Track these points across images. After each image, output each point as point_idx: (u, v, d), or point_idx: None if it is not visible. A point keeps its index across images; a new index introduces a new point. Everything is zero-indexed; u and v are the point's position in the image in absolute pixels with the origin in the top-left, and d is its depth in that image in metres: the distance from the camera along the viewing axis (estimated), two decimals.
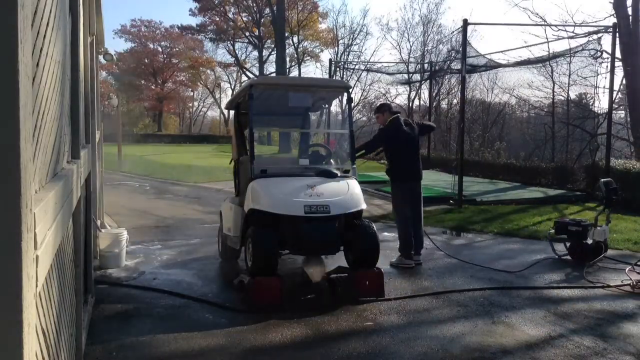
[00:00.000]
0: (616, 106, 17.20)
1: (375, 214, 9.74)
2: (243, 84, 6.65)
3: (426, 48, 32.63)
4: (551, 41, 15.89)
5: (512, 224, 8.83)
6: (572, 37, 14.82)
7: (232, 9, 48.74)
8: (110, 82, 54.39)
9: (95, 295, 4.71)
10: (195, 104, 67.12)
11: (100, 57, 8.32)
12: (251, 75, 47.21)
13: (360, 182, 5.48)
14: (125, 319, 4.32)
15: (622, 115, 20.23)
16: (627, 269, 5.79)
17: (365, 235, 5.01)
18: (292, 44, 45.17)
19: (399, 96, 32.02)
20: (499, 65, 15.47)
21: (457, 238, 8.22)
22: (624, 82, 15.73)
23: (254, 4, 46.00)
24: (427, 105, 22.61)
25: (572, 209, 10.47)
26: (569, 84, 15.66)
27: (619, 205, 7.15)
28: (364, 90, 31.87)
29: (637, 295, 5.11)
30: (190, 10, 56.85)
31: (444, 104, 24.67)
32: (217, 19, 49.48)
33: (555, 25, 17.63)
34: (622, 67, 14.88)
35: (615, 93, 13.49)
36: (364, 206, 5.13)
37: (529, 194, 12.43)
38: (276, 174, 5.24)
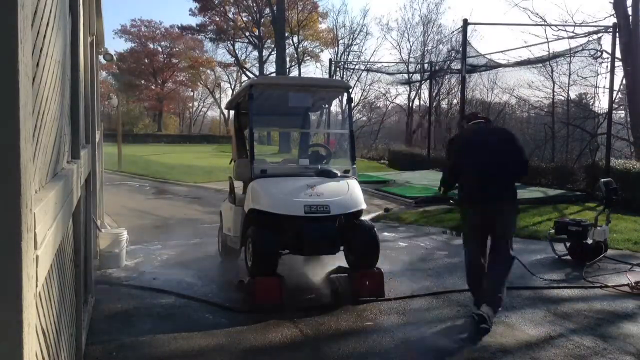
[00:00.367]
0: (616, 106, 17.19)
1: (375, 214, 9.75)
2: (243, 84, 6.65)
3: (426, 48, 32.65)
4: (551, 41, 15.89)
5: None
6: (572, 37, 14.82)
7: (232, 9, 48.73)
8: (110, 82, 54.41)
9: (95, 295, 4.71)
10: (195, 104, 67.15)
11: (100, 57, 8.32)
12: (251, 75, 47.21)
13: (360, 182, 5.48)
14: (125, 319, 4.32)
15: (622, 115, 20.22)
16: (627, 270, 5.78)
17: (365, 235, 5.01)
18: (292, 44, 45.17)
19: (399, 96, 32.09)
20: (499, 65, 15.48)
21: (457, 238, 8.21)
22: (624, 82, 15.73)
23: (254, 4, 45.98)
24: (427, 105, 22.63)
25: (572, 209, 10.47)
26: (569, 84, 15.65)
27: (619, 205, 7.15)
28: (364, 90, 31.90)
29: (637, 296, 5.11)
30: (190, 10, 56.84)
31: (444, 104, 24.70)
32: (217, 19, 49.46)
33: (555, 25, 17.63)
34: (622, 67, 14.87)
35: (615, 93, 13.51)
36: (364, 206, 5.13)
37: (529, 194, 12.42)
38: (276, 174, 5.24)
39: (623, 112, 19.90)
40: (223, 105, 32.16)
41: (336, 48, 42.46)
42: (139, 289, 5.11)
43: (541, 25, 17.30)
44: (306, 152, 6.18)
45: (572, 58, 14.53)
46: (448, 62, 18.81)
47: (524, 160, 4.70)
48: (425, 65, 22.56)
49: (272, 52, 45.48)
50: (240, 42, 50.96)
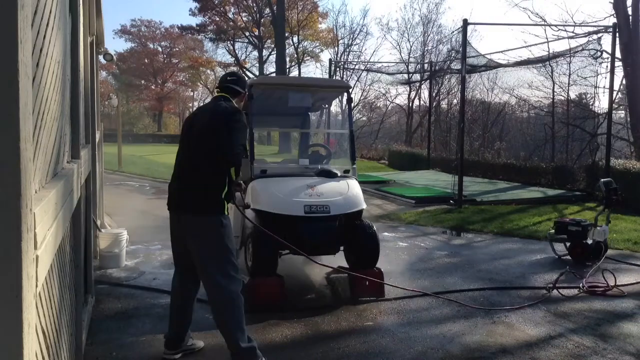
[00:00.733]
0: (616, 106, 17.19)
1: (375, 214, 9.75)
2: None
3: (426, 48, 32.65)
4: (551, 41, 15.91)
5: (511, 224, 8.83)
6: (572, 37, 14.82)
7: (232, 9, 48.71)
8: (110, 82, 54.42)
9: (95, 295, 4.71)
10: (195, 104, 67.16)
11: (100, 57, 8.31)
12: (251, 75, 47.21)
13: (360, 182, 5.48)
14: (125, 319, 4.32)
15: (622, 115, 20.22)
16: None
17: (365, 235, 5.01)
18: (292, 44, 45.16)
19: (399, 96, 32.08)
20: (499, 65, 15.47)
21: (457, 238, 8.22)
22: (624, 82, 15.74)
23: (254, 4, 45.97)
24: (427, 105, 22.63)
25: (572, 209, 10.48)
26: (569, 84, 15.66)
27: (618, 205, 7.14)
28: (364, 90, 31.87)
29: (637, 296, 5.11)
30: (190, 10, 56.86)
31: (444, 104, 24.69)
32: (217, 19, 49.43)
33: (555, 25, 17.68)
34: (622, 67, 14.88)
35: (615, 93, 13.51)
36: (364, 206, 5.13)
37: (529, 194, 12.43)
38: (276, 174, 5.25)
39: (623, 112, 19.90)
40: None
41: (336, 48, 42.46)
42: (139, 289, 5.11)
43: (541, 25, 17.33)
44: (306, 152, 6.18)
45: (572, 58, 14.55)
46: (448, 62, 18.81)
47: (230, 145, 3.33)
48: (425, 65, 22.57)
49: (272, 52, 45.48)
50: (240, 42, 50.95)
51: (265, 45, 48.07)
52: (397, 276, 5.63)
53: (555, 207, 10.71)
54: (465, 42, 11.47)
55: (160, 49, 57.56)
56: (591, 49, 13.51)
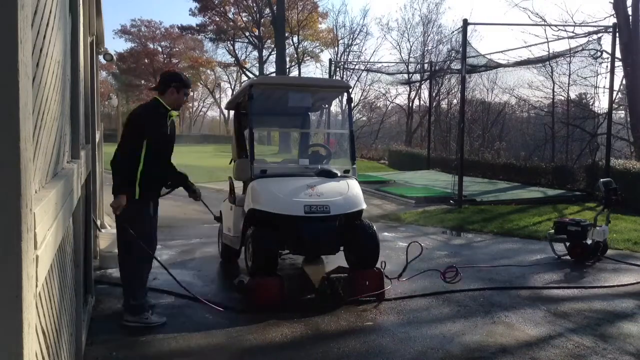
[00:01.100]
0: (616, 106, 17.20)
1: (375, 214, 9.75)
2: (243, 84, 6.65)
3: (426, 48, 32.66)
4: (551, 41, 15.91)
5: (511, 224, 8.83)
6: (572, 37, 14.83)
7: (232, 9, 48.74)
8: (110, 82, 54.44)
9: (95, 295, 4.71)
10: (195, 104, 67.18)
11: (100, 57, 8.32)
12: (251, 75, 47.21)
13: (360, 182, 5.48)
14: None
15: (622, 115, 20.23)
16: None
17: (365, 235, 5.01)
18: (292, 44, 45.18)
19: (399, 96, 32.08)
20: (499, 65, 15.48)
21: (457, 238, 8.22)
22: (624, 82, 15.74)
23: (254, 4, 45.99)
24: (427, 105, 22.64)
25: (571, 209, 10.48)
26: (569, 84, 15.67)
27: (618, 205, 7.15)
28: (364, 90, 31.87)
29: (637, 296, 5.11)
30: (190, 10, 56.91)
31: (444, 104, 24.69)
32: (217, 19, 49.47)
33: (555, 25, 17.65)
34: (622, 67, 14.88)
35: (615, 93, 13.51)
36: (364, 206, 5.13)
37: (529, 194, 12.44)
38: (276, 174, 5.25)
39: (623, 112, 19.91)
40: (223, 105, 32.16)
41: (336, 48, 42.48)
42: None
43: (541, 25, 17.34)
44: (306, 152, 6.18)
45: (572, 58, 14.55)
46: (448, 62, 18.81)
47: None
48: (425, 65, 22.57)
49: (272, 52, 45.51)
50: (240, 42, 51.00)
51: (265, 45, 48.10)
52: (397, 276, 5.62)
53: (555, 207, 10.71)
54: (465, 42, 11.48)
55: (160, 49, 57.59)
56: (591, 49, 13.51)
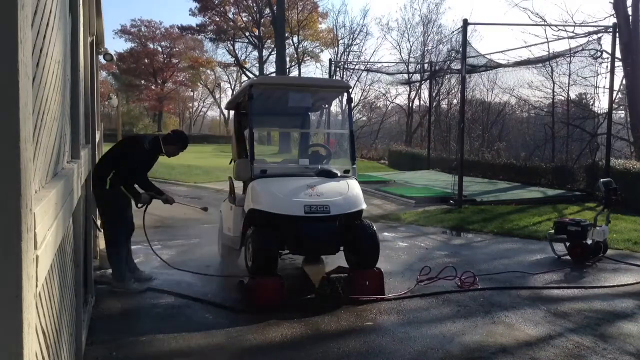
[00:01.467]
0: (616, 106, 17.20)
1: (375, 214, 9.74)
2: (243, 84, 6.65)
3: (426, 48, 32.64)
4: (551, 41, 15.91)
5: (511, 224, 8.83)
6: (572, 37, 14.82)
7: (232, 9, 48.72)
8: (110, 82, 54.44)
9: (95, 295, 4.71)
10: (195, 104, 67.21)
11: (100, 57, 8.32)
12: (251, 75, 47.22)
13: (360, 182, 5.48)
14: (125, 319, 4.32)
15: (622, 115, 20.23)
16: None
17: (365, 235, 5.01)
18: (292, 44, 45.17)
19: (399, 96, 32.08)
20: (499, 65, 15.47)
21: (456, 238, 8.22)
22: (624, 82, 15.74)
23: (254, 4, 45.98)
24: (427, 105, 22.64)
25: (571, 209, 10.48)
26: (569, 84, 15.65)
27: (618, 205, 7.15)
28: (364, 90, 31.86)
29: (637, 296, 5.12)
30: (190, 10, 56.94)
31: (444, 104, 24.69)
32: (217, 19, 49.45)
33: (555, 25, 17.65)
34: (622, 67, 14.88)
35: (615, 93, 13.51)
36: (364, 206, 5.13)
37: (529, 194, 12.43)
38: (276, 174, 5.24)
39: (623, 112, 19.91)
40: (223, 105, 32.14)
41: (336, 48, 42.45)
42: None
43: (541, 25, 17.34)
44: (306, 152, 6.18)
45: (572, 58, 14.54)
46: (448, 62, 18.80)
47: None
48: (425, 65, 22.57)
49: (272, 52, 45.49)
50: (240, 42, 50.97)
51: (265, 45, 48.08)
52: (397, 276, 5.63)
53: (555, 207, 10.71)
54: (465, 42, 11.47)
55: (160, 49, 57.55)
56: (591, 49, 13.51)
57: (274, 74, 39.26)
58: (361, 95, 32.35)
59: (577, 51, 13.92)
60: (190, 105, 66.50)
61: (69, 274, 2.67)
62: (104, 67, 41.89)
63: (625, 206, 9.18)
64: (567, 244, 6.49)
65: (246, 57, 52.57)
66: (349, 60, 37.37)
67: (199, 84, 59.56)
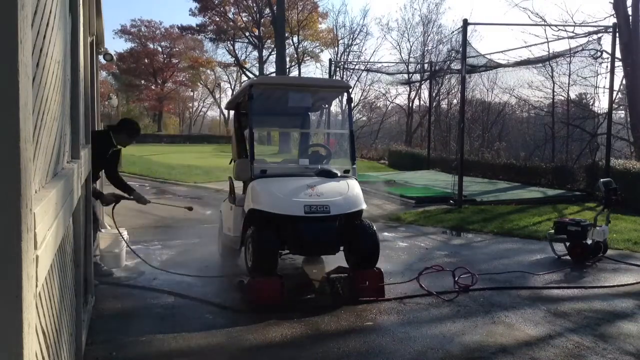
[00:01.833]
0: (616, 106, 17.20)
1: (375, 214, 9.74)
2: (243, 84, 6.65)
3: (426, 48, 32.67)
4: (551, 41, 15.91)
5: (511, 224, 8.83)
6: (572, 37, 14.82)
7: (232, 9, 48.75)
8: (110, 82, 54.44)
9: (95, 295, 4.71)
10: (195, 104, 67.24)
11: (100, 57, 8.32)
12: (251, 75, 47.21)
13: (360, 182, 5.48)
14: (125, 319, 4.32)
15: (622, 115, 20.22)
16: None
17: (365, 235, 5.01)
18: (292, 44, 45.18)
19: (399, 96, 32.07)
20: (499, 65, 15.48)
21: (456, 238, 8.22)
22: (624, 82, 15.74)
23: (254, 4, 46.00)
24: (427, 105, 22.64)
25: (571, 209, 10.48)
26: (569, 84, 15.65)
27: (618, 205, 7.15)
28: (364, 90, 31.86)
29: (637, 295, 5.11)
30: (190, 10, 56.96)
31: (444, 104, 24.69)
32: (217, 19, 49.48)
33: (555, 26, 17.66)
34: (622, 67, 14.88)
35: (615, 93, 13.51)
36: (364, 206, 5.13)
37: (529, 194, 12.44)
38: (276, 174, 5.24)
39: (623, 112, 19.91)
40: (223, 105, 32.15)
41: (336, 48, 42.47)
42: (139, 289, 5.11)
43: (541, 25, 17.34)
44: (306, 152, 6.18)
45: (572, 58, 14.54)
46: (448, 62, 18.80)
47: None
48: (425, 66, 22.57)
49: (272, 52, 45.52)
50: (240, 42, 51.01)
51: (265, 46, 48.11)
52: (397, 276, 5.63)
53: (555, 207, 10.71)
54: (465, 42, 11.47)
55: (160, 49, 57.61)
56: (591, 49, 13.51)
57: (274, 74, 39.26)
58: (361, 95, 32.37)
59: (577, 51, 13.93)
60: (190, 105, 66.54)
61: (69, 274, 2.67)
62: (104, 67, 41.89)
63: (625, 206, 9.18)
64: (567, 244, 6.49)
65: (246, 57, 52.64)
66: (349, 60, 37.39)
67: (199, 84, 59.60)
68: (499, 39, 73.75)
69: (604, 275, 5.90)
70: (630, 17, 15.05)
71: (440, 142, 22.18)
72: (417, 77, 22.33)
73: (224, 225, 6.12)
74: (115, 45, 69.95)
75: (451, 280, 5.36)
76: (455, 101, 22.30)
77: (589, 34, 13.84)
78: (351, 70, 27.67)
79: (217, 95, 58.93)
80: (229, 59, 53.18)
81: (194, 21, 64.77)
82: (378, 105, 34.52)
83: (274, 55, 41.88)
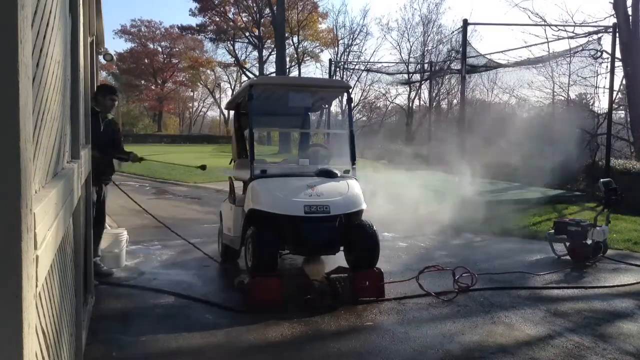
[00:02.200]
0: (616, 106, 17.19)
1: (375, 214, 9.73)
2: (243, 84, 6.65)
3: (426, 48, 32.67)
4: (551, 41, 15.90)
5: (511, 224, 8.82)
6: (572, 37, 14.82)
7: (232, 9, 48.76)
8: (110, 82, 54.43)
9: (95, 295, 4.71)
10: (195, 104, 67.22)
11: (100, 57, 8.31)
12: (251, 75, 47.21)
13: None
14: (125, 319, 4.32)
15: (622, 115, 20.22)
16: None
17: (365, 235, 5.01)
18: (292, 44, 45.19)
19: (399, 96, 32.10)
20: (499, 65, 15.47)
21: (456, 238, 8.22)
22: (623, 82, 15.73)
23: (254, 4, 46.00)
24: (427, 105, 22.65)
25: (571, 209, 10.48)
26: (569, 84, 15.67)
27: (618, 206, 7.15)
28: (364, 90, 31.88)
29: (637, 295, 5.12)
30: (190, 10, 56.92)
31: (444, 104, 24.70)
32: (217, 19, 49.48)
33: (555, 26, 17.62)
34: (622, 67, 14.87)
35: (615, 93, 13.50)
36: (364, 206, 5.13)
37: (529, 194, 12.43)
38: (276, 174, 5.24)
39: (623, 112, 19.90)
40: (223, 106, 32.16)
41: (336, 48, 42.49)
42: (139, 289, 5.11)
43: (541, 25, 17.31)
44: (306, 152, 6.18)
45: (572, 58, 14.55)
46: (448, 62, 18.81)
47: None
48: (425, 66, 22.58)
49: (272, 52, 45.52)
50: (240, 42, 51.02)
51: (265, 46, 48.12)
52: (397, 276, 5.63)
53: (555, 207, 10.71)
54: (465, 42, 11.49)
55: (160, 49, 57.62)
56: (591, 49, 13.52)
57: (274, 74, 39.25)
58: (361, 96, 32.39)
59: (577, 51, 13.93)
60: (190, 105, 66.53)
61: (69, 274, 2.67)
62: (104, 67, 41.90)
63: (625, 206, 9.18)
64: (567, 244, 6.49)
65: (246, 57, 52.65)
66: (349, 60, 37.39)
67: (199, 84, 59.59)
68: (499, 39, 73.86)
69: (603, 275, 5.90)
70: (630, 17, 15.04)
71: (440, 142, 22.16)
72: (417, 77, 22.34)
73: (224, 225, 6.12)
74: (115, 45, 70.01)
75: (451, 280, 5.36)
76: (455, 101, 22.31)
77: (589, 34, 13.85)
78: (351, 70, 27.70)
79: (217, 95, 58.97)
80: (229, 59, 53.24)
81: (194, 21, 64.82)
82: (378, 105, 34.55)
83: (274, 55, 41.88)
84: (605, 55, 13.03)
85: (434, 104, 23.05)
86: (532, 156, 15.74)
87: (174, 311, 4.51)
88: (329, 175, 5.26)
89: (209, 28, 50.41)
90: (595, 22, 17.11)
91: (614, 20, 14.55)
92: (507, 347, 3.82)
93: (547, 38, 17.21)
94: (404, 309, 4.65)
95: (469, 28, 11.76)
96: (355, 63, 34.26)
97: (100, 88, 5.78)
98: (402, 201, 9.79)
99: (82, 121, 3.48)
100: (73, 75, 3.00)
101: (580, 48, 13.79)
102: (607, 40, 13.23)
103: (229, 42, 50.66)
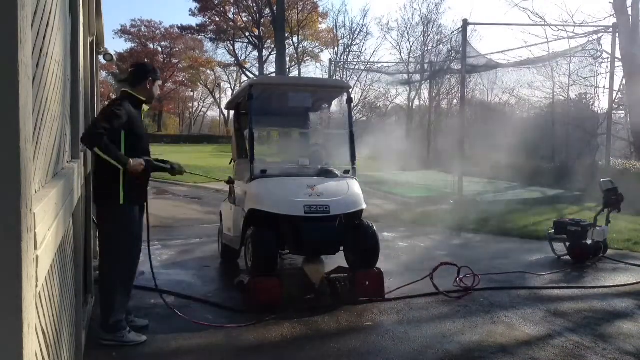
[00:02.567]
0: (616, 106, 17.18)
1: (375, 214, 9.74)
2: (243, 84, 6.65)
3: (426, 48, 32.57)
4: (551, 41, 15.90)
5: (511, 224, 8.83)
6: (572, 37, 14.82)
7: (232, 9, 48.75)
8: (110, 82, 54.39)
9: (95, 295, 4.71)
10: (195, 104, 67.19)
11: (100, 57, 8.31)
12: (251, 75, 47.22)
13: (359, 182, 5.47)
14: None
15: (622, 115, 20.22)
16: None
17: (365, 235, 5.01)
18: (292, 44, 45.15)
19: (399, 96, 32.05)
20: (499, 65, 15.46)
21: (456, 238, 8.22)
22: (623, 82, 15.72)
23: (254, 4, 45.99)
24: (427, 105, 22.65)
25: (571, 209, 10.47)
26: (569, 84, 15.65)
27: (618, 205, 7.13)
28: (364, 90, 31.83)
29: (637, 295, 5.11)
30: (190, 10, 56.90)
31: (444, 104, 24.67)
32: (217, 19, 49.47)
33: (555, 26, 17.67)
34: (622, 67, 14.86)
35: (615, 93, 13.50)
36: (364, 206, 5.13)
37: (529, 194, 12.44)
38: (276, 174, 5.24)
39: (623, 112, 19.90)
40: (223, 106, 32.13)
41: (336, 48, 42.39)
42: (139, 289, 5.10)
43: (541, 25, 17.30)
44: (306, 153, 6.17)
45: (572, 58, 14.54)
46: (448, 62, 18.80)
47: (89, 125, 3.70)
48: (425, 66, 22.56)
49: (272, 52, 45.48)
50: (240, 42, 51.00)
51: (265, 46, 48.10)
52: (396, 276, 5.63)
53: (555, 207, 10.71)
54: (465, 42, 11.48)
55: (160, 49, 57.58)
56: (591, 49, 13.52)
57: (274, 74, 39.22)
58: (361, 96, 32.33)
59: (577, 51, 13.92)
60: (190, 105, 66.51)
61: (69, 274, 2.67)
62: (104, 67, 41.87)
63: (625, 206, 9.16)
64: (567, 244, 6.49)
65: (246, 57, 52.62)
66: (349, 60, 37.35)
67: (199, 84, 59.56)
68: (499, 39, 73.86)
69: (603, 275, 5.90)
70: (630, 17, 15.04)
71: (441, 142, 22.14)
72: (417, 77, 22.31)
73: (224, 225, 6.12)
74: (115, 45, 69.99)
75: (451, 280, 5.36)
76: (455, 101, 22.29)
77: (589, 34, 13.84)
78: (351, 71, 27.68)
79: (217, 96, 58.97)
80: (229, 59, 53.22)
81: (194, 21, 64.75)
82: (378, 105, 34.50)
83: (274, 55, 41.84)
84: (605, 55, 13.03)
85: (434, 104, 23.02)
86: (532, 156, 15.76)
87: (174, 311, 4.50)
88: (329, 175, 5.26)
89: (209, 28, 50.41)
90: (595, 22, 17.15)
91: (614, 20, 14.55)
92: (507, 347, 3.82)
93: (547, 38, 17.27)
94: (404, 309, 4.65)
95: (469, 28, 11.76)
96: (355, 63, 34.23)
97: (142, 67, 4.11)
98: (403, 201, 9.78)
99: (82, 121, 3.48)
100: (73, 75, 3.00)
101: (580, 48, 13.79)
102: (607, 41, 13.24)
103: (229, 42, 50.66)
